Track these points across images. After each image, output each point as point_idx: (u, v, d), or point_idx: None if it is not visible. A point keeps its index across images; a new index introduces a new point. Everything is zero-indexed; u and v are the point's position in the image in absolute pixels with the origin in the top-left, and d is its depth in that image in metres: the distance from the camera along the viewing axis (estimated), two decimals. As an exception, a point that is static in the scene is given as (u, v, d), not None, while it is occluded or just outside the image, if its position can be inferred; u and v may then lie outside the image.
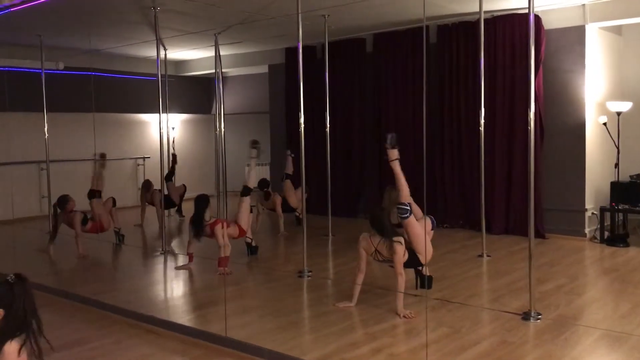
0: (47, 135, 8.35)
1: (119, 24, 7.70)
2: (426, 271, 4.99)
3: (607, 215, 7.03)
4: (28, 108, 9.00)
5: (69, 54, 9.44)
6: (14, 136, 9.20)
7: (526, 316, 4.28)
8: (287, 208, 8.16)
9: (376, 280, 5.37)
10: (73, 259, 6.79)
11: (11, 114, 8.99)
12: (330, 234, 7.50)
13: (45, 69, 8.40)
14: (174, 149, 9.71)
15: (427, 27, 8.01)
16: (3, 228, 8.75)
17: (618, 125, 7.14)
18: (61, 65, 9.65)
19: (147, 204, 8.83)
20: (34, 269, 6.28)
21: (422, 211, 5.32)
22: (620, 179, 7.07)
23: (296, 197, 8.06)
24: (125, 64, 10.58)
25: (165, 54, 9.36)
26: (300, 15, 5.52)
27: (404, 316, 4.34)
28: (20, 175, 9.39)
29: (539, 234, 7.04)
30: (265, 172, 11.68)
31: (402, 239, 4.55)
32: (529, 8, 4.34)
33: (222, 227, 5.79)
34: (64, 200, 6.93)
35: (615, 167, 7.10)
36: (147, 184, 8.96)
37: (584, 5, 6.92)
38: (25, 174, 9.51)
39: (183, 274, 5.97)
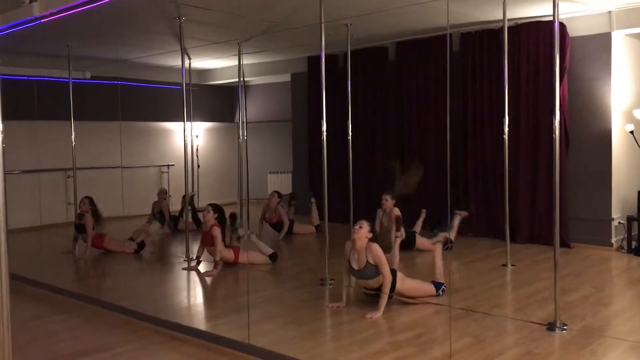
0: (74, 143, 8.49)
1: (144, 35, 7.83)
2: None
3: (635, 224, 6.91)
4: (56, 116, 9.16)
5: (96, 64, 9.61)
6: (42, 144, 9.38)
7: (551, 327, 4.23)
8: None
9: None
10: (98, 265, 6.88)
11: (39, 122, 9.16)
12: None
13: (73, 79, 8.55)
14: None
15: (450, 35, 7.98)
16: (31, 234, 8.91)
17: (645, 134, 7.04)
18: (88, 75, 9.83)
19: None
20: (60, 275, 6.38)
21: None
22: (648, 187, 6.96)
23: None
24: (150, 73, 10.72)
25: (190, 63, 9.47)
26: (322, 24, 5.55)
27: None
28: (47, 182, 9.55)
29: (564, 244, 6.94)
30: (287, 180, 11.74)
31: None
32: (553, 15, 4.31)
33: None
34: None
35: (643, 176, 7.00)
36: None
37: (609, 12, 6.85)
38: (53, 181, 9.67)
39: (206, 281, 6.01)
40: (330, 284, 5.53)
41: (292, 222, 8.42)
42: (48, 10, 6.12)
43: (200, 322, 4.72)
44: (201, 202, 10.90)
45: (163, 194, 9.16)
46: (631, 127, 7.05)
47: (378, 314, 4.56)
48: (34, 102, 8.54)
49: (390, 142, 8.97)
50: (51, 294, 5.72)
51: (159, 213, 8.91)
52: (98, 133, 9.99)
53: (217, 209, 6.39)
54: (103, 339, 4.44)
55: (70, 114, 8.41)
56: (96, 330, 4.65)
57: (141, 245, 7.37)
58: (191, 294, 5.75)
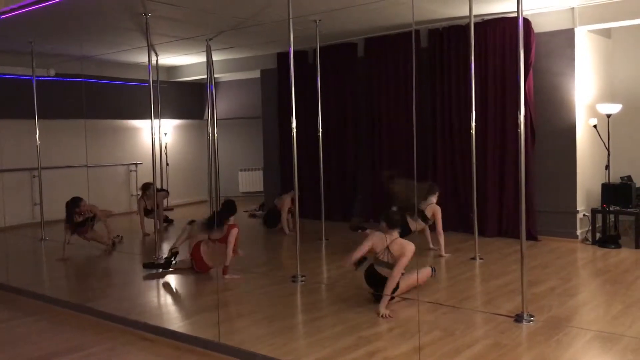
0: (38, 142, 8.32)
1: (110, 31, 7.69)
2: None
3: (599, 216, 7.07)
4: (19, 115, 8.96)
5: (60, 61, 9.41)
6: (5, 143, 9.16)
7: (519, 318, 4.30)
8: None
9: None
10: (66, 266, 6.77)
11: (2, 122, 8.95)
12: (323, 239, 7.50)
13: (36, 76, 8.38)
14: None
15: (418, 31, 8.05)
16: (-5, 236, 8.70)
17: (608, 127, 7.20)
18: (52, 72, 9.63)
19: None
20: (26, 277, 6.26)
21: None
22: (611, 180, 7.13)
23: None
24: (116, 70, 10.56)
25: (157, 60, 9.36)
26: (291, 20, 5.53)
27: (382, 316, 4.44)
28: (11, 182, 9.34)
29: (531, 236, 7.07)
30: (258, 177, 11.71)
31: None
32: (517, 12, 4.37)
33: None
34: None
35: (606, 169, 7.16)
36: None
37: (573, 8, 6.98)
38: (17, 181, 9.47)
39: (175, 281, 5.95)
40: (302, 281, 5.53)
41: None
42: (9, 5, 5.98)
43: (170, 321, 4.67)
44: (171, 200, 10.80)
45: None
46: (594, 121, 7.20)
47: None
48: (-4, 101, 8.35)
49: (360, 138, 9.01)
50: (18, 297, 5.60)
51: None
52: (63, 132, 9.81)
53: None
54: (72, 340, 4.37)
55: (34, 112, 8.24)
56: (65, 332, 4.57)
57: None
58: (161, 294, 5.69)
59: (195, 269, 6.03)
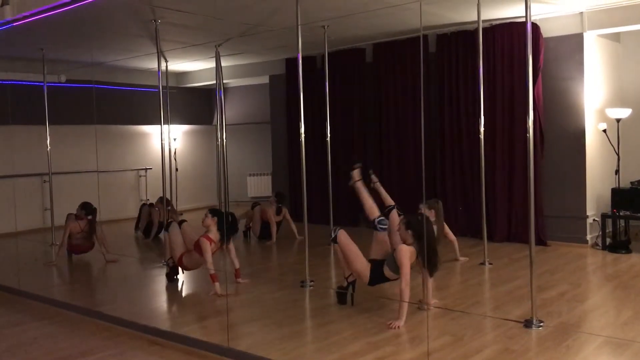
0: (49, 147, 8.39)
1: (120, 37, 7.76)
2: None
3: (609, 221, 7.03)
4: (31, 121, 9.04)
5: (71, 67, 9.50)
6: (17, 149, 9.24)
7: (528, 324, 4.28)
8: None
9: (379, 289, 5.37)
10: (75, 271, 6.81)
11: (14, 127, 9.03)
12: (332, 244, 7.49)
13: (48, 82, 8.45)
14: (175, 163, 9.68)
15: (426, 36, 8.06)
16: (6, 241, 8.77)
17: (618, 132, 7.16)
18: (63, 78, 9.72)
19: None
20: (37, 281, 6.30)
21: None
22: (621, 185, 7.09)
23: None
24: (126, 76, 10.64)
25: (167, 66, 9.42)
26: (299, 26, 5.56)
27: (394, 327, 4.30)
28: (23, 187, 9.42)
29: (541, 241, 7.04)
30: (267, 182, 11.73)
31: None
32: (526, 16, 4.37)
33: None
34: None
35: (616, 174, 7.12)
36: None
37: (582, 13, 6.96)
38: (28, 186, 9.54)
39: (184, 285, 5.98)
40: (311, 286, 5.54)
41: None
42: (21, 13, 6.05)
43: (179, 326, 4.69)
44: (180, 205, 10.85)
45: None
46: (604, 125, 7.17)
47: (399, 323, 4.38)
48: (8, 107, 8.42)
49: (369, 143, 9.02)
50: (28, 301, 5.65)
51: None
52: (74, 137, 9.89)
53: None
54: (82, 345, 4.40)
55: (45, 118, 8.31)
56: (74, 337, 4.60)
57: None
58: (170, 298, 5.71)
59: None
